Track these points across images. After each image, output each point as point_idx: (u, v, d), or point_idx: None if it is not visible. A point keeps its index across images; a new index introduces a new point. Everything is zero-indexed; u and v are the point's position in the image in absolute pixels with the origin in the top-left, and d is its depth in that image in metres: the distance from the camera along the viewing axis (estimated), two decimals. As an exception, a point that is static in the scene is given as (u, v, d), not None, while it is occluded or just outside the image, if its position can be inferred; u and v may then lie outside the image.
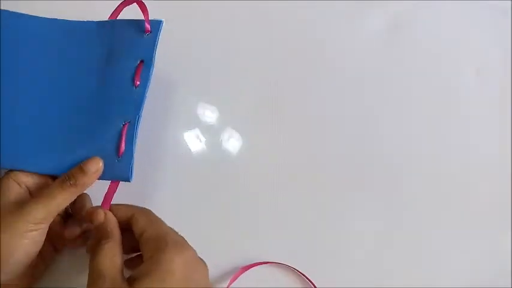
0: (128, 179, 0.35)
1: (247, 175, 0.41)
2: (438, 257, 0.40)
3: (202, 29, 0.47)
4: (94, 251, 0.31)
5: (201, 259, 0.32)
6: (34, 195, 0.34)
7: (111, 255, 0.31)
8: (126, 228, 0.33)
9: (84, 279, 0.36)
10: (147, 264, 0.30)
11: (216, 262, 0.38)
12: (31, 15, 0.39)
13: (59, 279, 0.37)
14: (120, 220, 0.33)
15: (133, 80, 0.37)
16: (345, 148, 0.43)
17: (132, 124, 0.36)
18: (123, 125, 0.36)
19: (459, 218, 0.41)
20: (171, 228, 0.33)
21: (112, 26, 0.39)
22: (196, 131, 0.43)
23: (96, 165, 0.34)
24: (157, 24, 0.39)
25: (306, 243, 0.39)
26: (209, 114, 0.43)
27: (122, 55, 0.38)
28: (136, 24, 0.38)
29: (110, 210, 0.33)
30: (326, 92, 0.46)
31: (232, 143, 0.42)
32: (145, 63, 0.37)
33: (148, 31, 0.38)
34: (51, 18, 0.39)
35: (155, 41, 0.38)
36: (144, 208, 0.34)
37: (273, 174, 0.41)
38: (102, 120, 0.37)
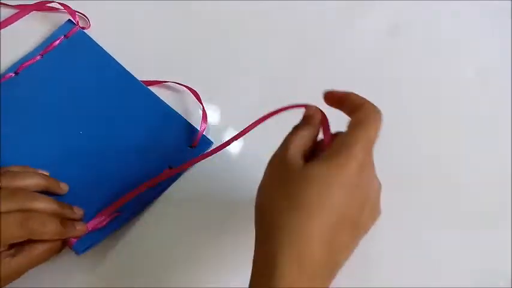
0: (77, 251, 0.36)
1: (247, 176, 0.41)
2: (438, 257, 0.40)
3: (202, 29, 0.47)
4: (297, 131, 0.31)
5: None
6: None
7: (306, 139, 0.31)
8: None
9: (85, 280, 0.37)
10: (329, 152, 0.28)
11: (213, 263, 0.38)
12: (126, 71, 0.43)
13: (60, 278, 0.37)
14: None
15: (153, 181, 0.38)
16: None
17: (121, 218, 0.37)
18: (116, 212, 0.37)
19: (459, 218, 0.41)
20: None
21: (175, 118, 0.41)
22: (197, 132, 0.43)
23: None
24: (206, 145, 0.40)
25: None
26: (210, 114, 0.43)
27: (158, 152, 0.39)
28: (190, 131, 0.40)
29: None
30: (326, 92, 0.46)
31: (232, 143, 0.42)
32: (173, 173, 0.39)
33: (194, 145, 0.40)
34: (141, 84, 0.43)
35: (193, 159, 0.39)
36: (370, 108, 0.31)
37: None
38: (100, 187, 0.38)
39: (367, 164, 0.29)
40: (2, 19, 0.45)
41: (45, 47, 0.43)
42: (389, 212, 0.41)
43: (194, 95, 0.42)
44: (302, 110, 0.33)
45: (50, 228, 0.33)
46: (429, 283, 0.38)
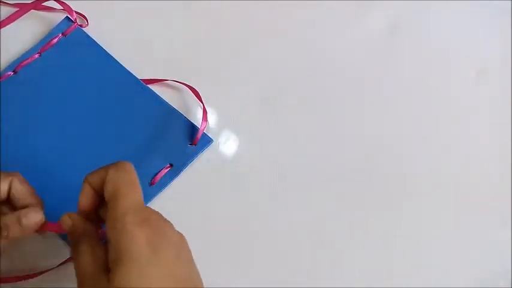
0: None
1: (246, 177, 0.41)
2: (438, 257, 0.40)
3: (201, 28, 0.47)
4: (74, 253, 0.29)
5: (176, 232, 0.29)
6: None
7: (89, 254, 0.28)
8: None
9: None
10: (111, 251, 0.26)
11: (213, 263, 0.38)
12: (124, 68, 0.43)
13: (60, 279, 0.37)
14: (97, 189, 0.30)
15: (152, 178, 0.38)
16: (345, 148, 0.43)
17: None
18: None
19: (459, 217, 0.41)
20: (135, 197, 0.28)
21: (175, 116, 0.41)
22: (196, 132, 0.43)
23: (36, 218, 0.30)
24: (206, 142, 0.40)
25: (305, 243, 0.39)
26: (209, 113, 0.43)
27: (159, 150, 0.40)
28: (191, 129, 0.40)
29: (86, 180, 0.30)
30: (326, 93, 0.46)
31: (229, 145, 0.42)
32: (173, 170, 0.39)
33: (195, 143, 0.40)
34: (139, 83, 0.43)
35: (194, 157, 0.40)
36: (117, 165, 0.29)
37: (271, 176, 0.41)
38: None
39: (156, 235, 0.27)
40: (2, 18, 0.45)
41: (43, 45, 0.43)
42: (390, 213, 0.41)
43: (194, 94, 0.42)
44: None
45: None
46: (429, 283, 0.38)
